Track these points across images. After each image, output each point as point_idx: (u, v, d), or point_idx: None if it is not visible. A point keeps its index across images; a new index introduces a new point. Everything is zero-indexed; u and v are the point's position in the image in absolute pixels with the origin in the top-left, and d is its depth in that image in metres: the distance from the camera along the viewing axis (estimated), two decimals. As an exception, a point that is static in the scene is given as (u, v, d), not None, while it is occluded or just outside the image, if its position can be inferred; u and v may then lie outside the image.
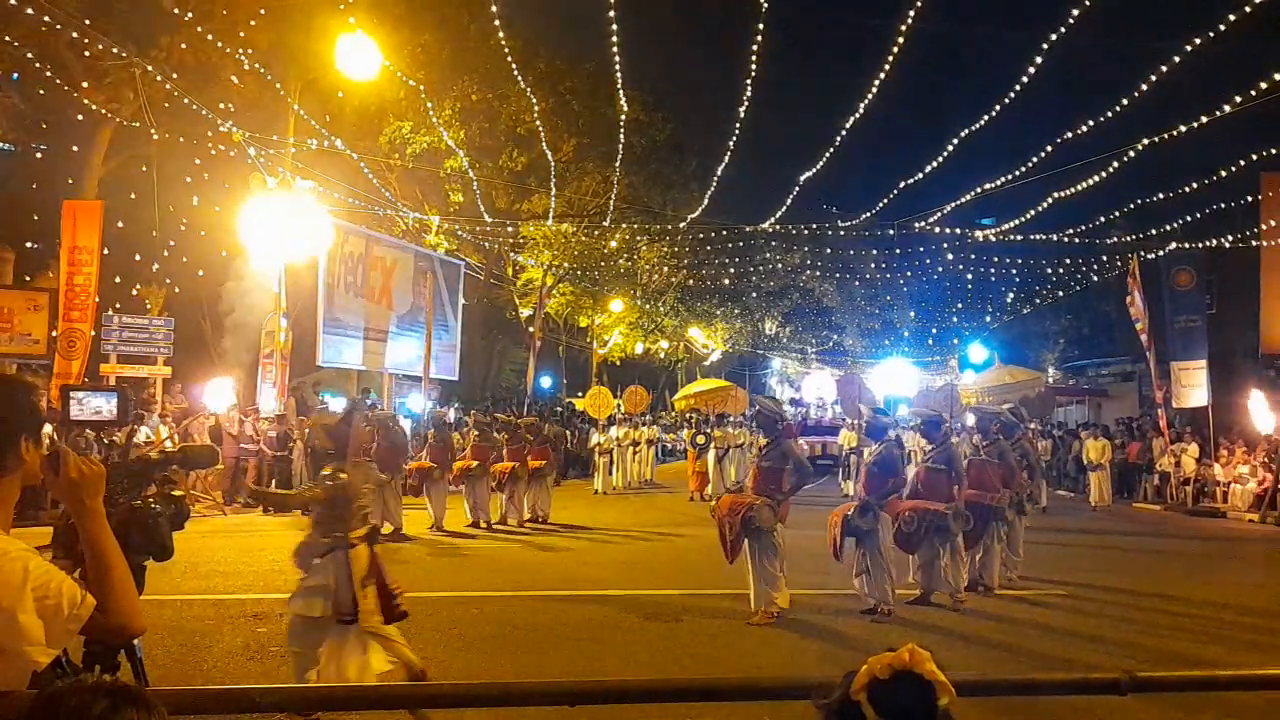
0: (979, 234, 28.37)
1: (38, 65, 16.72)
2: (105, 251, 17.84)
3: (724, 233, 29.93)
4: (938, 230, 25.91)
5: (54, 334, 17.70)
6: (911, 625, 8.11)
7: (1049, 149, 18.89)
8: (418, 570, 10.49)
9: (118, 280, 20.14)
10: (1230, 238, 21.63)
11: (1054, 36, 14.93)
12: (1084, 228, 24.63)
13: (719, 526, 8.31)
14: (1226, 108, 16.01)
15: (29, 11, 15.31)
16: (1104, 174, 20.10)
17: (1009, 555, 10.25)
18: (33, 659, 1.92)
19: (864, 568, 8.31)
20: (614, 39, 16.67)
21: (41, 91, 17.86)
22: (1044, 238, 25.79)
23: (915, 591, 8.98)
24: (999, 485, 9.47)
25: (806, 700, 1.64)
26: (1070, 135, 18.09)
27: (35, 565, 1.96)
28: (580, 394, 36.39)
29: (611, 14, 15.48)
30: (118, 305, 19.65)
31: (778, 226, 27.38)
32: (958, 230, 27.39)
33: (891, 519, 8.77)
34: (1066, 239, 25.44)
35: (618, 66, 18.22)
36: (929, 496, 8.89)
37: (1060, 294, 36.19)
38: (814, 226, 30.53)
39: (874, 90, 17.08)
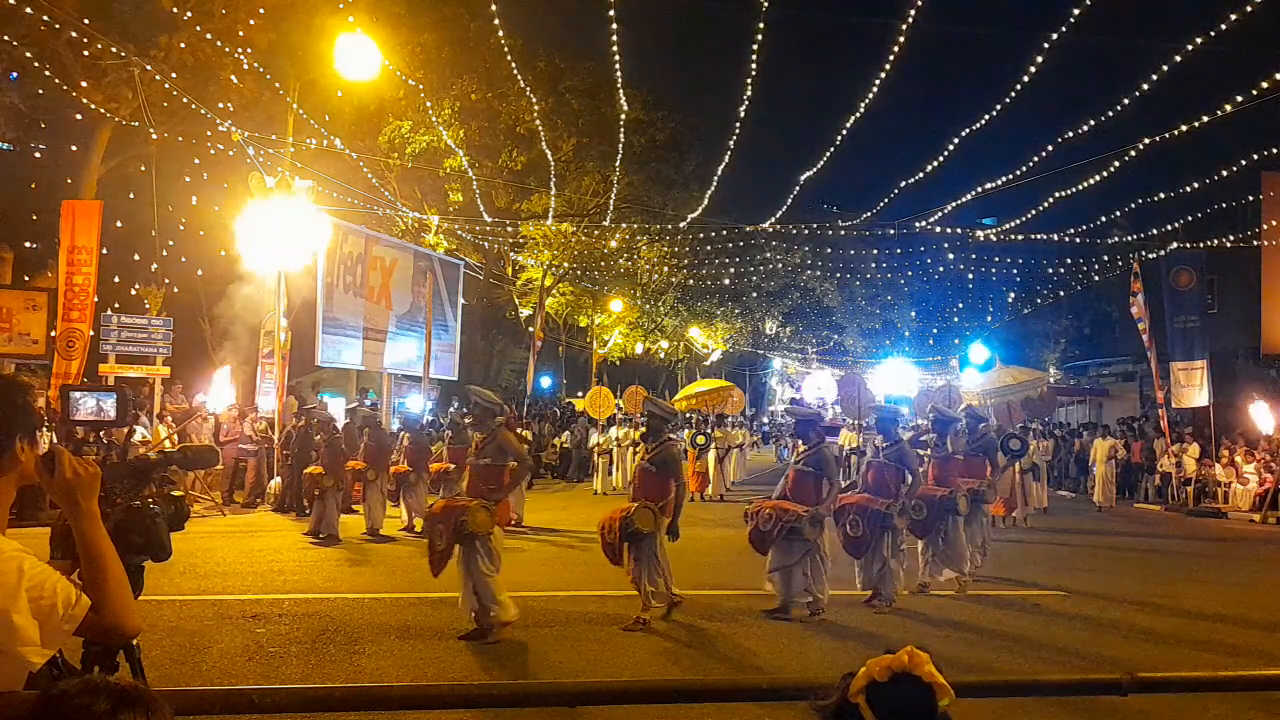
0: (980, 234, 28.38)
1: (37, 65, 16.71)
2: (104, 251, 17.83)
3: (724, 233, 29.92)
4: (938, 230, 25.91)
5: (53, 334, 17.69)
6: (910, 625, 8.10)
7: (1049, 149, 18.89)
8: (416, 571, 10.49)
9: (116, 280, 20.13)
10: (1231, 238, 21.63)
11: (1054, 36, 14.93)
12: (1084, 228, 24.64)
13: (428, 535, 7.61)
14: (1227, 107, 16.01)
15: (28, 11, 15.31)
16: (1104, 174, 20.09)
17: (972, 552, 10.08)
18: (27, 659, 1.91)
19: (639, 574, 7.84)
20: (614, 38, 16.66)
21: (40, 91, 17.86)
22: (1045, 238, 25.79)
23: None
24: (895, 490, 8.77)
25: (805, 701, 1.64)
26: (1070, 135, 18.09)
27: (30, 565, 1.96)
28: (580, 394, 36.38)
29: (611, 13, 15.47)
30: (116, 305, 19.64)
31: (778, 226, 27.37)
32: (958, 230, 27.40)
33: (747, 518, 8.28)
34: (1067, 239, 25.43)
35: (618, 65, 18.22)
36: (795, 498, 8.22)
37: (1061, 294, 36.23)
38: (814, 226, 30.54)
39: (874, 90, 17.07)
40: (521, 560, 11.48)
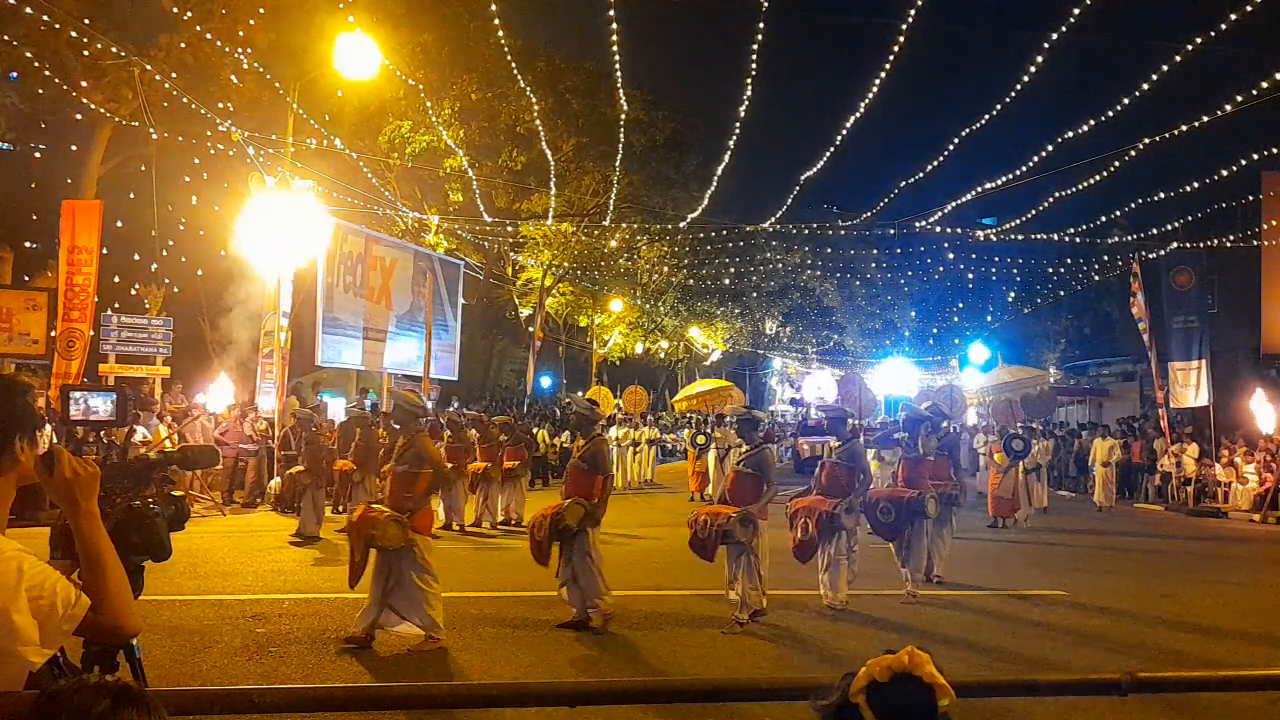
0: (979, 234, 28.38)
1: (37, 65, 16.70)
2: (104, 251, 17.83)
3: (724, 233, 29.92)
4: (938, 230, 25.91)
5: (53, 334, 17.70)
6: (910, 626, 8.10)
7: (1049, 149, 18.89)
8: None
9: (116, 280, 20.13)
10: (1230, 238, 21.63)
11: (1054, 36, 14.93)
12: (1084, 228, 24.63)
13: (350, 544, 7.35)
14: (1227, 107, 16.01)
15: (29, 11, 15.30)
16: (1104, 174, 20.10)
17: (933, 555, 9.89)
18: (27, 659, 1.91)
19: (569, 576, 7.69)
20: (614, 39, 16.67)
21: (40, 91, 17.86)
22: (1044, 238, 25.79)
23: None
24: (848, 490, 8.46)
25: (805, 701, 1.64)
26: (1070, 135, 18.08)
27: (30, 565, 1.96)
28: (580, 394, 36.39)
29: (611, 14, 15.47)
30: (116, 305, 19.64)
31: (778, 226, 27.38)
32: (958, 230, 27.39)
33: (689, 526, 8.02)
34: (1066, 239, 25.44)
35: (618, 66, 18.23)
36: (734, 501, 7.98)
37: (1061, 294, 36.22)
38: (814, 226, 30.54)
39: (874, 90, 17.07)
40: (521, 560, 11.47)
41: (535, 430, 21.70)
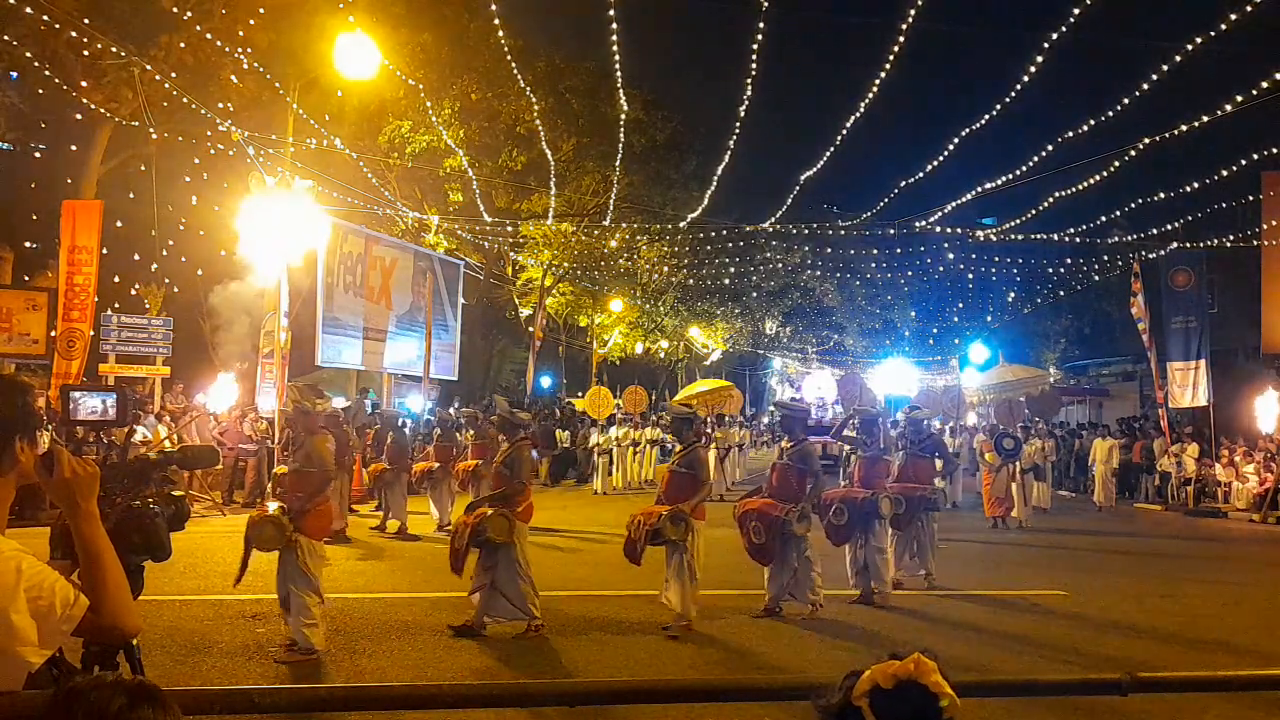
0: (979, 233, 28.38)
1: (37, 64, 16.71)
2: (104, 251, 17.83)
3: (724, 233, 29.93)
4: (938, 230, 25.91)
5: (53, 334, 17.70)
6: (909, 625, 8.11)
7: (1049, 149, 18.88)
8: (417, 570, 10.49)
9: (116, 280, 20.14)
10: (1230, 238, 21.63)
11: (1054, 36, 14.93)
12: (1084, 228, 24.63)
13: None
14: (1227, 107, 16.00)
15: (28, 11, 15.31)
16: (1104, 174, 20.09)
17: (915, 558, 9.77)
18: (25, 659, 1.91)
19: (485, 582, 7.45)
20: (614, 38, 16.66)
21: (40, 91, 17.87)
22: (1044, 238, 25.79)
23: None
24: (797, 492, 8.17)
25: (805, 701, 1.63)
26: (1070, 135, 18.08)
27: (29, 565, 1.95)
28: (580, 394, 36.40)
29: (611, 13, 15.47)
30: (116, 305, 19.65)
31: (778, 226, 27.38)
32: (958, 230, 27.39)
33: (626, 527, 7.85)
34: (1066, 239, 25.43)
35: (618, 66, 18.22)
36: (669, 501, 7.79)
37: (1061, 294, 36.24)
38: (814, 226, 30.53)
39: (874, 90, 17.06)
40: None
41: (556, 431, 21.84)
